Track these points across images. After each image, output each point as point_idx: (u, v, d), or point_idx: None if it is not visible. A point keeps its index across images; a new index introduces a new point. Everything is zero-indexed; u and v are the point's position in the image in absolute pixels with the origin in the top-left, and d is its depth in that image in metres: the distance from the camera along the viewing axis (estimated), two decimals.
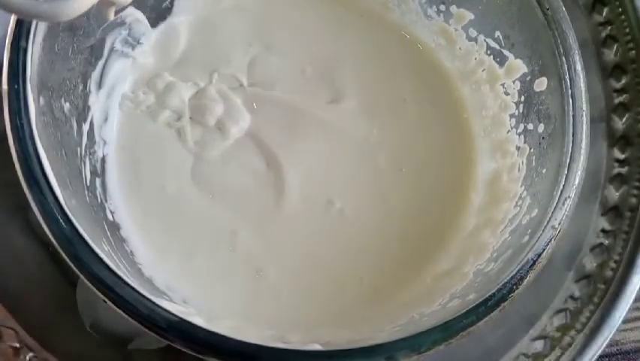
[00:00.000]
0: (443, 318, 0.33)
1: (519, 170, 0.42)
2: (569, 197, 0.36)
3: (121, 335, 0.42)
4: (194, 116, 0.45)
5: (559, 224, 0.36)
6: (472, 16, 0.45)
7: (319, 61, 0.47)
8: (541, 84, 0.41)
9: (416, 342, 0.32)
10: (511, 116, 0.44)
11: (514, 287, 0.34)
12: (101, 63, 0.43)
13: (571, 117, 0.38)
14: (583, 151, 0.37)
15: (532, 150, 0.42)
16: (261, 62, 0.47)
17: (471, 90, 0.47)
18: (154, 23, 0.46)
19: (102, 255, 0.33)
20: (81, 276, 0.32)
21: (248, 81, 0.46)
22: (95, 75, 0.43)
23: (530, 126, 0.42)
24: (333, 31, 0.48)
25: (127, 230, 0.42)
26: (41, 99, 0.36)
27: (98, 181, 0.42)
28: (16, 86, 0.34)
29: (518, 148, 0.43)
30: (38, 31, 0.35)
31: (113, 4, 0.33)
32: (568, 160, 0.37)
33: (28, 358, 0.41)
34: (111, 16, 0.35)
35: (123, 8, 0.37)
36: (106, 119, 0.44)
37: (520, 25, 0.42)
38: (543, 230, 0.36)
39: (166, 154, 0.44)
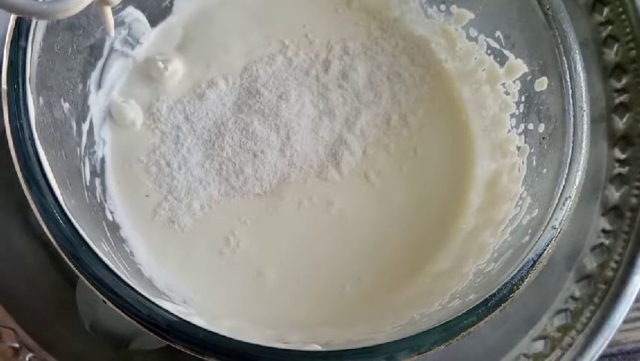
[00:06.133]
0: (444, 318, 0.33)
1: (519, 170, 0.42)
2: (569, 197, 0.36)
3: (120, 335, 0.42)
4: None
5: (559, 224, 0.36)
6: (472, 16, 0.45)
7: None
8: (542, 84, 0.41)
9: (416, 342, 0.32)
10: (512, 116, 0.44)
11: (515, 288, 0.34)
12: (100, 63, 0.43)
13: (571, 117, 0.38)
14: (583, 151, 0.37)
15: (532, 150, 0.42)
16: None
17: (471, 90, 0.47)
18: (154, 23, 0.46)
19: (102, 255, 0.33)
20: (81, 276, 0.32)
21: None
22: (94, 75, 0.43)
23: (531, 126, 0.42)
24: (331, 26, 0.48)
25: (126, 230, 0.42)
26: (41, 99, 0.36)
27: (97, 181, 0.42)
28: (15, 86, 0.34)
29: (519, 148, 0.43)
30: (38, 31, 0.35)
31: (108, 4, 0.33)
32: (568, 160, 0.37)
33: (27, 358, 0.41)
34: (112, 30, 0.34)
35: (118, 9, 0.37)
36: (105, 119, 0.44)
37: (520, 24, 0.42)
38: (544, 230, 0.36)
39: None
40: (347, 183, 0.44)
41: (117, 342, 0.42)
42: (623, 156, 0.47)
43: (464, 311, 0.33)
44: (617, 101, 0.48)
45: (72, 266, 0.32)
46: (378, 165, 0.45)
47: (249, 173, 0.44)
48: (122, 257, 0.38)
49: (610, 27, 0.48)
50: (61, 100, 0.39)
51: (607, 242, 0.46)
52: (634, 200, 0.46)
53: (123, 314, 0.32)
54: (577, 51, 0.39)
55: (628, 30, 0.48)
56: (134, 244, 0.42)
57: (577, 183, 0.37)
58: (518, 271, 0.35)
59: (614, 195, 0.47)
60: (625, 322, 0.44)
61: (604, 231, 0.47)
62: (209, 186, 0.43)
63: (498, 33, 0.44)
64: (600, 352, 0.44)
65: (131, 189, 0.43)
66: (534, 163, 0.41)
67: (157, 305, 0.32)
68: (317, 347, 0.33)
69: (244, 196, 0.43)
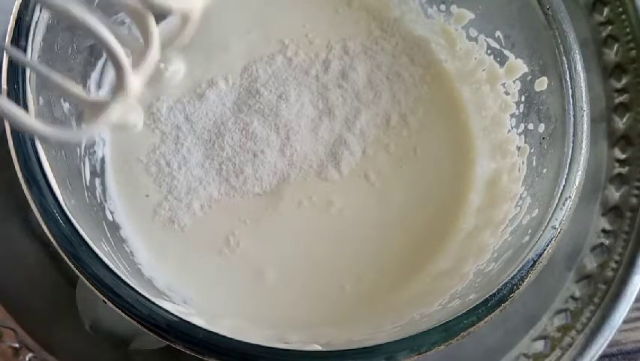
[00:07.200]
0: (444, 318, 0.33)
1: (519, 170, 0.42)
2: (569, 197, 0.36)
3: (121, 335, 0.42)
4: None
5: (559, 224, 0.36)
6: (472, 16, 0.45)
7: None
8: (542, 84, 0.41)
9: (416, 342, 0.32)
10: (512, 116, 0.44)
11: (515, 288, 0.34)
12: (100, 63, 0.43)
13: (571, 117, 0.38)
14: (583, 151, 0.37)
15: (532, 150, 0.42)
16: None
17: (471, 90, 0.47)
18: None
19: (102, 255, 0.33)
20: (81, 276, 0.32)
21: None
22: (94, 75, 0.43)
23: (531, 126, 0.42)
24: (331, 26, 0.48)
25: (126, 230, 0.42)
26: (41, 99, 0.36)
27: (97, 181, 0.42)
28: (15, 86, 0.34)
29: (519, 148, 0.43)
30: (38, 31, 0.35)
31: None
32: (568, 160, 0.37)
33: (27, 358, 0.41)
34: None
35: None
36: None
37: (520, 24, 0.42)
38: (544, 230, 0.36)
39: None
40: (347, 182, 0.44)
41: (117, 342, 0.42)
42: (623, 156, 0.47)
43: (464, 311, 0.33)
44: (617, 101, 0.48)
45: (72, 266, 0.32)
46: (378, 165, 0.45)
47: (249, 173, 0.44)
48: (122, 257, 0.38)
49: (610, 27, 0.48)
50: (61, 100, 0.39)
51: (607, 242, 0.46)
52: (634, 200, 0.46)
53: (123, 314, 0.32)
54: (577, 51, 0.39)
55: (628, 30, 0.48)
56: (134, 244, 0.42)
57: (577, 183, 0.37)
58: (518, 271, 0.35)
59: (614, 195, 0.47)
60: (625, 322, 0.44)
61: (604, 231, 0.47)
62: (209, 186, 0.43)
63: (498, 33, 0.44)
64: (600, 352, 0.44)
65: (131, 189, 0.43)
66: (534, 163, 0.41)
67: (157, 305, 0.32)
68: (317, 347, 0.33)
69: (244, 196, 0.43)
